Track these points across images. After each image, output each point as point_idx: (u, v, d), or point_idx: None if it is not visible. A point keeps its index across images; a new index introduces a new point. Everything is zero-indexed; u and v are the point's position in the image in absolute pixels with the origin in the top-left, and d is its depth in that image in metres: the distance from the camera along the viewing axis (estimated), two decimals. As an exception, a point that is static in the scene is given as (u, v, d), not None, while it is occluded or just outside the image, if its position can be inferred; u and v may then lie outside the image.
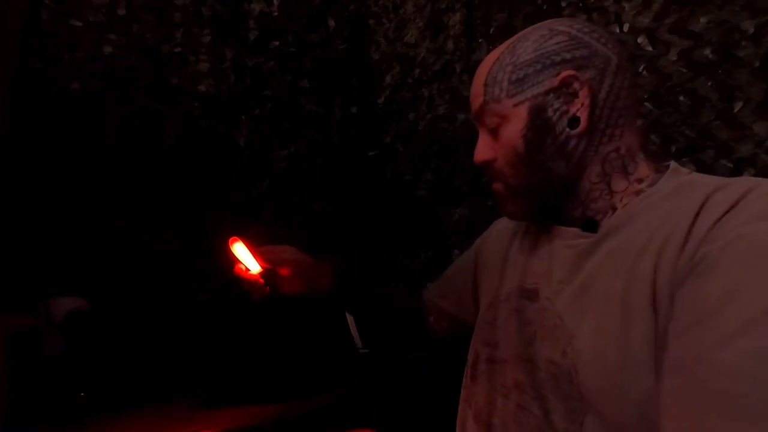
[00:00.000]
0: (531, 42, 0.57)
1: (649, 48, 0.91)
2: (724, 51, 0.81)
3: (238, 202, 1.39)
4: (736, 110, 0.80)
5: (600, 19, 1.00)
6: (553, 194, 0.59)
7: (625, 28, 0.96)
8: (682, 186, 0.50)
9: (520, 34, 0.60)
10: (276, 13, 1.50)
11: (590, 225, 0.57)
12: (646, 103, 0.92)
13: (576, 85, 0.55)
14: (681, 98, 0.87)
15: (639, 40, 0.93)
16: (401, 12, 1.62)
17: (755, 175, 0.78)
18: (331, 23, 1.62)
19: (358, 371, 1.12)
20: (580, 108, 0.55)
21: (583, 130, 0.55)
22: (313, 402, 1.04)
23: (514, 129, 0.57)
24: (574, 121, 0.55)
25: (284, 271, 0.77)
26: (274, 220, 1.44)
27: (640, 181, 0.55)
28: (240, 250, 0.75)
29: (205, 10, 1.37)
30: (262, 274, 0.75)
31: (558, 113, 0.56)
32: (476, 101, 0.61)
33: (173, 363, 1.09)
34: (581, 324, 0.51)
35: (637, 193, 0.54)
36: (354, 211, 1.61)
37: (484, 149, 0.62)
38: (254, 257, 0.75)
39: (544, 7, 1.13)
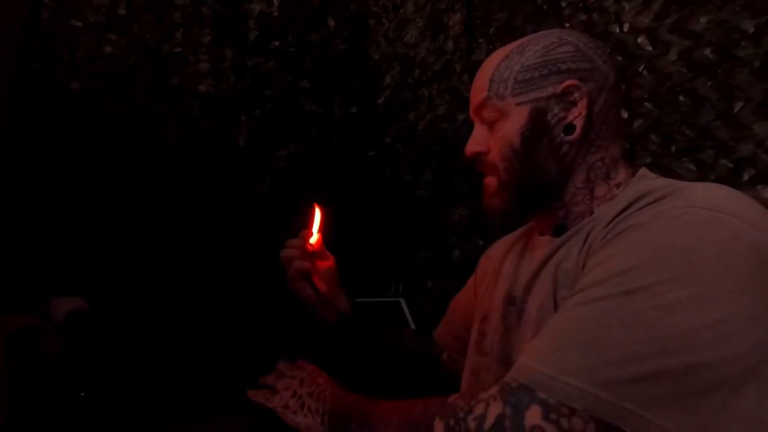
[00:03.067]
0: (541, 47, 0.60)
1: (649, 48, 0.91)
2: (724, 51, 0.81)
3: (238, 202, 1.39)
4: (736, 110, 0.80)
5: (600, 19, 1.00)
6: (540, 193, 0.61)
7: (625, 28, 0.95)
8: (644, 192, 0.53)
9: (530, 37, 0.63)
10: (276, 13, 1.50)
11: (560, 229, 0.61)
12: (646, 103, 0.92)
13: (576, 94, 0.58)
14: (681, 98, 0.87)
15: (639, 40, 0.93)
16: (401, 12, 1.62)
17: (756, 175, 0.78)
18: (331, 23, 1.62)
19: (358, 372, 1.12)
20: (577, 117, 0.58)
21: (577, 138, 0.58)
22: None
23: (513, 126, 0.60)
24: (569, 128, 0.58)
25: (322, 264, 0.85)
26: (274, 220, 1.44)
27: (617, 186, 0.59)
28: (317, 215, 0.82)
29: (205, 10, 1.37)
30: (312, 248, 0.82)
31: (556, 118, 0.59)
32: (479, 95, 0.63)
33: (173, 363, 1.09)
34: (546, 320, 0.54)
35: (612, 198, 0.58)
36: (354, 211, 1.61)
37: (478, 141, 0.64)
38: (318, 232, 0.81)
39: (544, 7, 1.13)
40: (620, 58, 0.95)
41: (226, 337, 1.21)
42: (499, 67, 0.61)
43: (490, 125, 0.62)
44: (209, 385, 1.05)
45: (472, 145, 0.64)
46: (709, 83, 0.83)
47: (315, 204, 0.84)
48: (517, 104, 0.59)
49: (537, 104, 0.59)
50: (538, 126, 0.59)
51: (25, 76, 1.12)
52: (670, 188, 0.50)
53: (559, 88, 0.58)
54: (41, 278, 1.05)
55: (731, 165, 0.80)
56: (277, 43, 1.50)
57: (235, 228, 1.37)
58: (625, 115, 0.94)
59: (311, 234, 0.83)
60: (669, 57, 0.88)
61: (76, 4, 1.20)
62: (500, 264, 0.74)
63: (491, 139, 0.62)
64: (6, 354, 0.79)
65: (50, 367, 0.89)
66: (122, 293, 1.15)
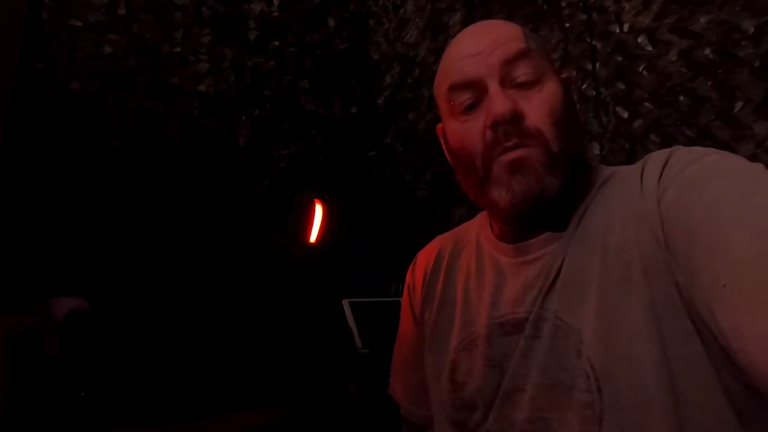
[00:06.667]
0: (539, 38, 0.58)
1: (649, 48, 0.91)
2: (724, 51, 0.81)
3: (238, 202, 1.39)
4: (736, 110, 0.80)
5: (600, 19, 1.00)
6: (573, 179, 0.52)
7: (625, 28, 0.95)
8: (612, 175, 0.54)
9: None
10: (276, 13, 1.50)
11: (558, 223, 0.53)
12: (646, 103, 0.92)
13: (572, 87, 0.58)
14: (681, 98, 0.87)
15: (639, 40, 0.93)
16: (401, 12, 1.62)
17: (755, 175, 0.78)
18: (331, 23, 1.62)
19: (358, 371, 1.12)
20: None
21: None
22: (314, 402, 1.04)
23: (556, 91, 0.51)
24: None
25: None
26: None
27: (585, 174, 0.56)
28: (318, 213, 0.80)
29: (205, 10, 1.37)
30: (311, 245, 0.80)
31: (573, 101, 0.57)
32: (510, 45, 0.51)
33: (173, 362, 1.09)
34: (580, 315, 0.47)
35: (583, 185, 0.54)
36: (354, 210, 1.61)
37: (513, 100, 0.49)
38: (318, 230, 0.80)
39: (544, 7, 1.13)
40: (620, 58, 0.95)
41: (225, 336, 1.21)
42: (524, 30, 0.54)
43: (523, 86, 0.51)
44: (209, 384, 1.05)
45: (509, 104, 0.49)
46: (709, 83, 0.83)
47: (316, 201, 0.83)
48: (553, 71, 0.53)
49: (563, 79, 0.54)
50: (571, 101, 0.54)
51: (25, 76, 1.12)
52: (664, 152, 0.49)
53: (563, 75, 0.55)
54: (41, 278, 1.05)
55: (731, 165, 0.80)
56: (277, 43, 1.50)
57: (235, 227, 1.37)
58: (625, 115, 0.94)
59: (312, 232, 0.82)
60: (669, 57, 0.88)
61: (76, 4, 1.20)
62: (453, 294, 0.63)
63: (524, 103, 0.50)
64: (6, 354, 0.78)
65: (50, 367, 0.89)
66: (122, 293, 1.14)
